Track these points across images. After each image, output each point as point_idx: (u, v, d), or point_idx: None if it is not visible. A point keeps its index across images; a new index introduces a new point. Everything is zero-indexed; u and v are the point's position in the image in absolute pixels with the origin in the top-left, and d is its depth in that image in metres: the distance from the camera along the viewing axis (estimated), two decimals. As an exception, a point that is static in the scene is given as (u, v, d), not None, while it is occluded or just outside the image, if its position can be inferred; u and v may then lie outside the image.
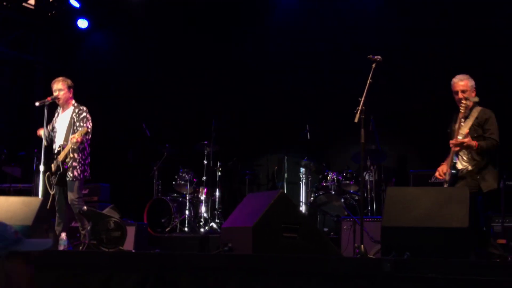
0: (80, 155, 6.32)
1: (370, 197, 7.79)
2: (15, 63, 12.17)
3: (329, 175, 8.26)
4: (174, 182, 9.18)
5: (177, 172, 9.16)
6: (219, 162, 9.04)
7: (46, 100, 6.41)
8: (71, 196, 6.19)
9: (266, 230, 4.20)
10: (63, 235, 5.62)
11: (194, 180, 9.04)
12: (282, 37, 9.84)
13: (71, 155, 6.24)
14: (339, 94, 8.77)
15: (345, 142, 8.84)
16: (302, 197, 8.76)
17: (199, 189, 8.95)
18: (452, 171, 5.11)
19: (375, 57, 4.91)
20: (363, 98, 4.65)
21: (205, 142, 8.91)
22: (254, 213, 4.33)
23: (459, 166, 5.17)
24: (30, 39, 12.01)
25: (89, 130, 6.27)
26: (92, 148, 6.57)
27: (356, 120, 4.59)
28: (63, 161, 6.24)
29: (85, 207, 5.59)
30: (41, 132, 6.64)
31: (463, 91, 5.18)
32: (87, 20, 11.31)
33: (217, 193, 8.88)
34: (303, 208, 8.53)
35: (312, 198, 8.23)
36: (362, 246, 4.34)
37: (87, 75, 10.88)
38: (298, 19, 9.79)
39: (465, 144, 5.01)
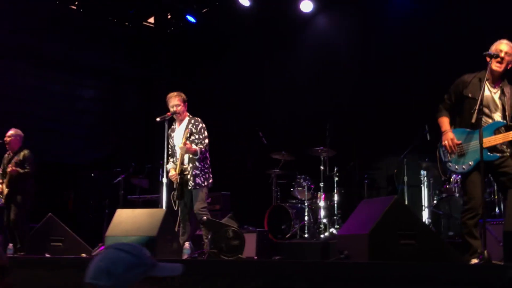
0: (203, 163, 6.47)
1: (498, 199, 7.36)
2: (138, 79, 12.91)
3: (453, 177, 7.92)
4: (292, 189, 9.25)
5: (294, 179, 9.23)
6: (336, 167, 8.97)
7: (166, 115, 6.70)
8: (197, 205, 6.28)
9: (382, 237, 4.12)
10: (187, 244, 5.85)
11: (312, 186, 9.06)
12: (400, 34, 9.60)
13: (191, 164, 6.42)
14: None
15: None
16: (424, 200, 8.46)
17: (317, 194, 8.95)
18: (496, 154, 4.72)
19: (493, 53, 4.69)
20: (479, 97, 4.45)
21: (321, 147, 8.90)
22: (369, 220, 4.26)
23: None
24: (151, 56, 12.69)
25: (202, 147, 6.41)
26: (211, 157, 6.73)
27: (473, 120, 4.41)
28: (181, 172, 6.44)
29: (205, 217, 5.78)
30: None
31: (507, 53, 4.79)
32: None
33: (335, 198, 8.82)
34: (426, 212, 8.25)
35: (435, 201, 7.93)
36: (485, 251, 4.12)
37: (206, 88, 11.28)
38: (412, 14, 9.51)
39: None
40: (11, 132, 8.23)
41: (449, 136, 4.86)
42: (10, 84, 10.87)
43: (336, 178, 8.91)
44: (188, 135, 6.36)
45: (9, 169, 7.89)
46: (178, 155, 6.55)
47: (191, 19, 11.39)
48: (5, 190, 7.95)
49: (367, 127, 9.62)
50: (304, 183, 9.06)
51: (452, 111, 5.04)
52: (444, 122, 5.00)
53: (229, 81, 11.60)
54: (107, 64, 12.21)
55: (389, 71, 9.54)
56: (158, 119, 6.71)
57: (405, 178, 8.64)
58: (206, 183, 6.44)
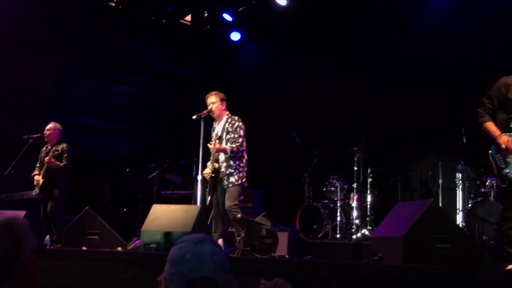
0: (238, 162, 6.54)
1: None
2: (173, 77, 13.05)
3: (488, 181, 7.82)
4: (324, 189, 9.25)
5: (327, 179, 9.22)
6: (370, 168, 8.94)
7: (202, 113, 6.77)
8: (228, 202, 6.35)
9: (417, 240, 4.10)
10: (220, 241, 5.91)
11: (345, 186, 9.04)
12: (430, 40, 9.51)
13: (225, 163, 6.50)
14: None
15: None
16: (459, 204, 8.37)
17: (350, 195, 8.93)
18: None
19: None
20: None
21: (355, 148, 8.87)
22: (404, 223, 4.25)
23: None
24: (187, 54, 12.81)
25: (235, 147, 6.45)
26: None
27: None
28: (214, 171, 6.52)
29: (239, 215, 5.84)
30: None
31: None
32: (239, 32, 11.81)
33: (369, 199, 8.79)
34: (460, 216, 8.16)
35: (469, 205, 7.84)
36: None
37: (240, 86, 11.34)
38: (444, 20, 9.41)
39: None
40: (50, 125, 8.41)
41: (506, 138, 4.67)
42: (48, 80, 11.11)
43: (370, 179, 8.87)
44: (221, 135, 6.46)
45: (46, 159, 8.06)
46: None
47: (227, 17, 11.46)
48: (41, 181, 8.11)
49: (402, 128, 9.55)
50: (337, 184, 9.05)
51: (493, 115, 4.92)
52: (492, 126, 4.82)
53: (263, 79, 11.63)
54: (143, 61, 12.37)
55: (425, 73, 9.45)
56: (194, 116, 6.78)
57: (440, 181, 8.56)
58: (239, 182, 6.49)
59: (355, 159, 8.94)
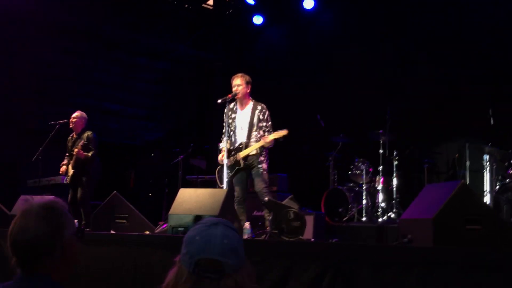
0: (267, 150, 6.69)
1: None
2: (196, 62, 13.06)
3: (516, 163, 7.71)
4: (349, 172, 9.21)
5: (353, 162, 9.17)
6: (395, 150, 8.85)
7: (227, 97, 6.76)
8: (261, 185, 6.55)
9: (447, 222, 4.06)
10: (247, 224, 5.93)
11: (370, 169, 8.98)
12: (462, 15, 9.35)
13: (258, 150, 6.57)
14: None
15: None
16: (487, 186, 8.27)
17: (376, 178, 8.87)
18: None
19: None
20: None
21: (380, 131, 8.79)
22: (434, 205, 4.21)
23: None
24: (209, 38, 12.80)
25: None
26: None
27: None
28: (245, 158, 6.57)
29: (266, 198, 5.86)
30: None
31: None
32: (262, 16, 11.74)
33: (394, 183, 8.71)
34: (488, 198, 8.07)
35: (497, 187, 7.74)
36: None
37: (263, 70, 11.30)
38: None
39: None
40: (76, 114, 8.48)
41: None
42: (71, 66, 11.19)
43: (396, 162, 8.79)
44: (250, 121, 6.52)
45: (75, 152, 8.15)
46: (243, 138, 6.69)
47: (250, 1, 11.40)
48: (71, 171, 8.22)
49: (428, 110, 9.44)
50: (363, 167, 8.99)
51: None
52: None
53: (287, 63, 11.58)
54: (166, 46, 12.39)
55: (451, 55, 9.32)
56: (219, 100, 6.77)
57: (467, 163, 8.46)
58: (267, 167, 6.67)
59: (381, 142, 8.86)
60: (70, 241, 2.18)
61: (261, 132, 6.63)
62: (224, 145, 6.75)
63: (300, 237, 5.15)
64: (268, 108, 6.82)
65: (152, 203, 10.86)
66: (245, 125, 6.74)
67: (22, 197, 7.09)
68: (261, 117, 6.67)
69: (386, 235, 7.23)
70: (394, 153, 8.80)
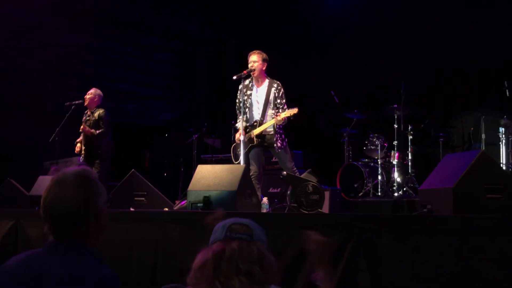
0: (281, 126, 6.70)
1: None
2: (210, 41, 13.05)
3: (533, 134, 7.68)
4: (364, 148, 9.21)
5: (367, 137, 9.17)
6: (410, 125, 8.83)
7: (242, 73, 6.77)
8: (288, 164, 6.70)
9: (468, 191, 4.06)
10: (265, 199, 5.98)
11: (385, 144, 8.98)
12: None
13: (273, 128, 6.60)
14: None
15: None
16: (503, 159, 8.26)
17: (391, 153, 8.87)
18: None
19: None
20: None
21: (394, 105, 8.77)
22: (454, 174, 4.21)
23: None
24: (223, 18, 12.77)
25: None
26: None
27: None
28: (258, 135, 6.59)
29: (284, 172, 5.88)
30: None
31: None
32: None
33: (409, 157, 8.72)
34: (503, 170, 8.05)
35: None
36: None
37: (278, 48, 11.28)
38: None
39: None
40: (90, 90, 8.52)
41: None
42: (85, 47, 11.22)
43: (410, 137, 8.78)
44: (266, 98, 6.56)
45: (80, 129, 8.21)
46: (258, 116, 6.73)
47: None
48: (82, 149, 8.31)
49: (443, 84, 9.40)
50: (377, 142, 8.99)
51: None
52: None
53: (299, 41, 11.54)
54: (180, 26, 12.39)
55: (465, 27, 9.24)
56: (234, 77, 6.80)
57: (483, 136, 8.44)
58: (284, 143, 6.72)
59: (395, 117, 8.85)
60: (103, 209, 2.24)
61: (276, 110, 6.63)
62: (240, 124, 6.79)
63: (320, 209, 5.18)
64: (283, 85, 6.83)
65: (168, 182, 10.92)
66: (261, 103, 6.78)
67: (40, 177, 7.20)
68: (276, 94, 6.69)
69: (403, 209, 7.27)
70: (409, 128, 8.79)
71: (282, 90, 6.74)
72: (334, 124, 9.94)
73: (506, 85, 8.08)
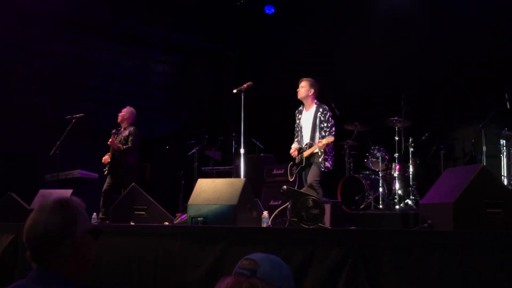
0: (330, 149, 7.01)
1: None
2: (210, 53, 13.07)
3: (534, 147, 7.67)
4: (365, 160, 9.20)
5: (368, 149, 9.16)
6: (411, 137, 8.82)
7: (242, 87, 6.82)
8: (311, 177, 6.88)
9: (468, 206, 4.05)
10: (265, 213, 5.96)
11: (386, 156, 8.96)
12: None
13: (320, 152, 6.76)
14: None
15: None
16: (504, 171, 8.24)
17: (392, 165, 8.86)
18: None
19: None
20: None
21: (395, 118, 8.77)
22: (454, 189, 4.20)
23: None
24: (223, 29, 12.80)
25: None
26: (283, 128, 7.07)
27: None
28: (308, 157, 6.91)
29: (284, 186, 5.86)
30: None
31: None
32: (273, 7, 11.75)
33: (411, 169, 8.70)
34: (505, 183, 8.03)
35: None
36: None
37: (277, 59, 11.29)
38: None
39: None
40: (124, 109, 8.84)
41: None
42: (85, 59, 11.25)
43: (411, 149, 8.76)
44: (313, 123, 6.96)
45: (109, 142, 8.33)
46: (307, 139, 7.06)
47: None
48: (107, 160, 8.41)
49: (444, 96, 9.40)
50: (378, 154, 8.98)
51: None
52: None
53: (301, 52, 11.56)
54: (179, 38, 12.42)
55: (466, 39, 9.26)
56: (235, 90, 6.88)
57: (484, 148, 8.42)
58: (330, 166, 7.01)
59: (396, 129, 8.84)
60: (83, 238, 2.17)
61: (323, 133, 6.94)
62: (295, 145, 7.21)
63: (320, 224, 5.16)
64: (286, 97, 6.94)
65: (169, 195, 10.91)
66: (309, 126, 7.07)
67: (41, 191, 7.19)
68: (322, 118, 6.98)
69: (411, 222, 7.22)
70: (410, 140, 8.77)
71: (328, 114, 7.03)
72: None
73: (507, 97, 8.07)
